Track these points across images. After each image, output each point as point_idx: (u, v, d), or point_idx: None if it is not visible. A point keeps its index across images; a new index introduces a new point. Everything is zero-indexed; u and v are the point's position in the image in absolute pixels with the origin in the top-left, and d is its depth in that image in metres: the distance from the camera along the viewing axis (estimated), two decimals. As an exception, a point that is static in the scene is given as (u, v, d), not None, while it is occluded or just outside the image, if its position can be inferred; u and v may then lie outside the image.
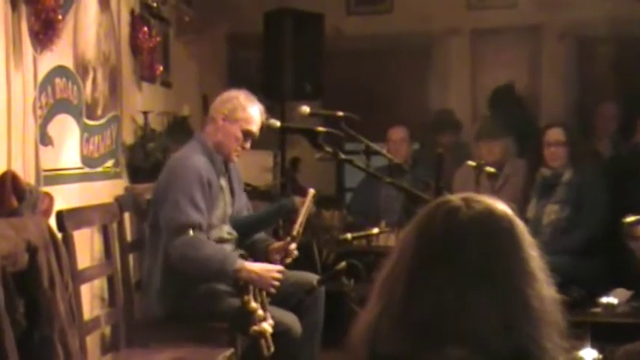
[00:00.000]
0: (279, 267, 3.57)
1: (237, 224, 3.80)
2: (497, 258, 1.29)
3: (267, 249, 3.77)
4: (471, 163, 4.46)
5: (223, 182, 3.73)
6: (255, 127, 3.71)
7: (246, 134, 3.69)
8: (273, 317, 3.39)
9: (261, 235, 3.94)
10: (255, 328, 3.31)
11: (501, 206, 1.35)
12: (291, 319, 3.52)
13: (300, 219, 3.65)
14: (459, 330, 1.23)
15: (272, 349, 3.31)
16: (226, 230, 3.71)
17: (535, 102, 6.27)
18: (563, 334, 1.29)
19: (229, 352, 3.39)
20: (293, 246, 3.69)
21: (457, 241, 1.30)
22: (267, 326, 3.32)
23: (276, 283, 3.49)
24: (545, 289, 1.30)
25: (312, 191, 3.76)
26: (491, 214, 1.33)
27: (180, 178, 3.52)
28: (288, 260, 3.69)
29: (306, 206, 3.67)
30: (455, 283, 1.26)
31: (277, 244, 3.77)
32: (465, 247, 1.29)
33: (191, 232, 3.41)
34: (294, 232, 3.65)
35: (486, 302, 1.25)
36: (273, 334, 3.33)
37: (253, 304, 3.36)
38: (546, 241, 4.36)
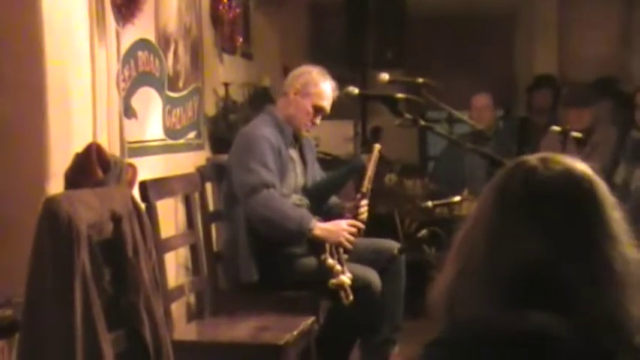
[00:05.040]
0: (351, 221, 3.64)
1: (311, 191, 3.85)
2: (577, 220, 1.25)
3: (342, 211, 3.82)
4: (556, 128, 4.35)
5: (293, 153, 3.78)
6: (326, 103, 3.76)
7: (317, 109, 3.74)
8: (352, 272, 3.45)
9: (335, 200, 3.98)
10: (334, 281, 3.40)
11: (581, 166, 1.31)
12: (370, 274, 3.56)
13: (368, 174, 3.72)
14: (540, 294, 1.20)
15: (351, 297, 3.38)
16: (297, 198, 3.75)
17: (626, 63, 6.06)
18: None
19: (310, 319, 3.42)
20: (364, 202, 3.74)
21: (536, 202, 1.27)
22: (345, 278, 3.40)
23: (350, 237, 3.57)
24: (630, 252, 1.25)
25: (377, 146, 3.83)
26: (570, 175, 1.29)
27: (252, 147, 3.58)
28: (362, 217, 3.72)
29: (372, 162, 3.74)
30: (535, 246, 1.23)
31: (350, 204, 3.82)
32: (544, 208, 1.26)
33: (266, 191, 3.48)
34: (364, 189, 3.73)
35: (568, 265, 1.21)
36: (353, 289, 3.39)
37: (330, 261, 3.46)
38: (635, 206, 4.23)
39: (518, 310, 1.19)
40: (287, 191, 3.68)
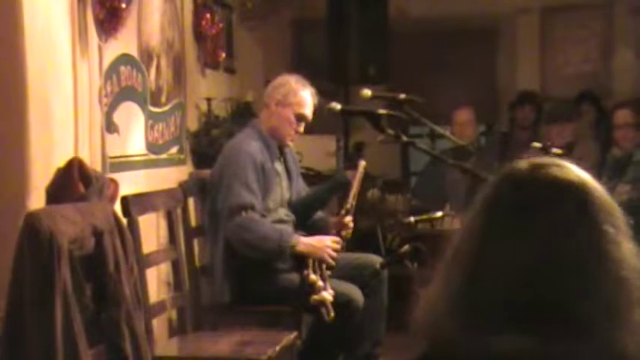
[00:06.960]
0: (334, 237, 3.66)
1: (295, 206, 3.86)
2: (565, 235, 1.13)
3: (326, 226, 3.83)
4: (537, 144, 4.37)
5: (279, 167, 3.78)
6: (307, 111, 3.77)
7: (299, 118, 3.76)
8: (334, 289, 3.47)
9: (320, 214, 3.99)
10: (315, 297, 3.42)
11: (575, 174, 1.18)
12: (352, 290, 3.57)
13: (353, 191, 3.74)
14: (519, 317, 1.10)
15: (332, 314, 3.39)
16: (284, 213, 3.76)
17: (607, 80, 6.11)
18: None
19: (293, 335, 3.41)
20: (348, 218, 3.76)
21: (522, 215, 1.16)
22: (326, 295, 3.42)
23: (333, 252, 3.59)
24: (626, 272, 1.12)
25: (362, 163, 3.85)
26: (560, 185, 1.17)
27: (234, 163, 3.59)
28: (345, 233, 3.75)
29: (357, 178, 3.76)
30: (519, 264, 1.13)
31: (334, 219, 3.84)
32: (530, 222, 1.15)
33: (244, 214, 3.47)
34: (348, 205, 3.75)
35: (549, 286, 1.11)
36: (335, 305, 3.40)
37: (313, 277, 3.47)
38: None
39: (491, 335, 1.10)
40: (273, 206, 3.69)
